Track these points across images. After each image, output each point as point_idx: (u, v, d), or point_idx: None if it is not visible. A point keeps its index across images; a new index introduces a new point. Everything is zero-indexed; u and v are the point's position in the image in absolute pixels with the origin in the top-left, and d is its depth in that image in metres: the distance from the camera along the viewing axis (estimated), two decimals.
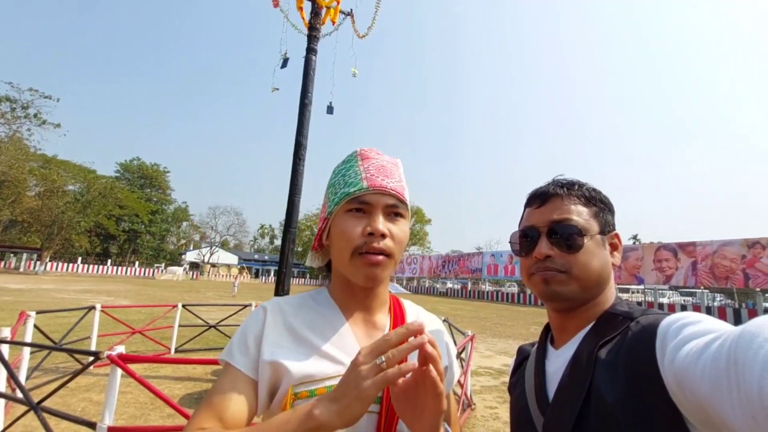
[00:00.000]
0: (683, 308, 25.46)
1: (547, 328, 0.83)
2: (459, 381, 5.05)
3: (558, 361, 0.73)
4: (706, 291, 27.94)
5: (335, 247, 0.75)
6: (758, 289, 22.80)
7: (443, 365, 0.80)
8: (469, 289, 43.94)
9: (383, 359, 0.53)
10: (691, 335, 0.53)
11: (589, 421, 0.61)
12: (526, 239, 0.78)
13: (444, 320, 6.41)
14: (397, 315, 0.81)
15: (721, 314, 23.15)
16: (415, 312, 0.86)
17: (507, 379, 5.87)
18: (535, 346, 0.84)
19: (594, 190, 0.78)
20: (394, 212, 0.75)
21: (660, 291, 30.59)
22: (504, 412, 5.13)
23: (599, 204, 0.77)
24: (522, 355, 0.90)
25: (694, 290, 30.95)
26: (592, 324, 0.71)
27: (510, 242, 0.83)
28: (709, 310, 23.88)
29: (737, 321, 22.11)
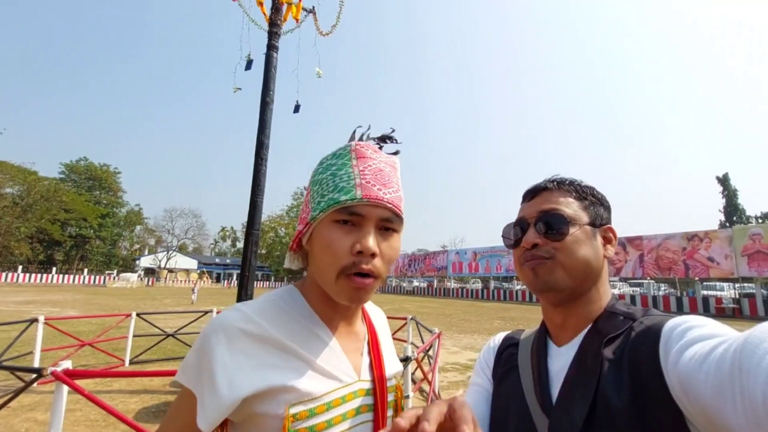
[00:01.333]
0: (632, 299, 27.15)
1: (544, 324, 0.82)
2: (427, 378, 5.10)
3: (561, 360, 0.72)
4: (652, 281, 30.03)
5: (319, 260, 0.66)
6: (697, 278, 24.79)
7: (400, 365, 0.82)
8: (434, 286, 44.63)
9: None
10: (696, 338, 0.53)
11: (596, 422, 0.60)
12: (516, 231, 0.79)
13: (411, 318, 6.47)
14: (369, 321, 0.81)
15: (666, 303, 25.00)
16: (373, 313, 0.86)
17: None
18: (524, 336, 0.84)
19: (587, 186, 0.80)
20: (387, 226, 0.67)
21: (611, 282, 32.51)
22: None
23: (590, 198, 0.78)
24: (509, 342, 0.87)
25: (641, 281, 33.16)
26: (593, 322, 0.71)
27: (502, 236, 0.84)
28: (654, 300, 25.69)
29: (679, 308, 23.96)
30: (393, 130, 0.77)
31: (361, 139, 0.75)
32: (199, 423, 0.57)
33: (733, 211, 45.38)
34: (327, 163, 0.71)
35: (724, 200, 46.70)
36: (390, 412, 0.73)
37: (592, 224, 0.74)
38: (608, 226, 0.78)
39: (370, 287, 0.65)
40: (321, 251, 0.66)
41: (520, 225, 0.78)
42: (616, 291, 31.87)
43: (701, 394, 0.48)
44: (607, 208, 0.80)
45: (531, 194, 0.80)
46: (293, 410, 0.60)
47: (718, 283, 28.86)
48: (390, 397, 0.74)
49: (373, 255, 0.64)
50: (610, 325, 0.68)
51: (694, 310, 23.18)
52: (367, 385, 0.70)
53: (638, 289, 35.77)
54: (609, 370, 0.62)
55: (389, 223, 0.67)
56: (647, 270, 26.32)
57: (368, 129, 0.77)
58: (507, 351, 0.85)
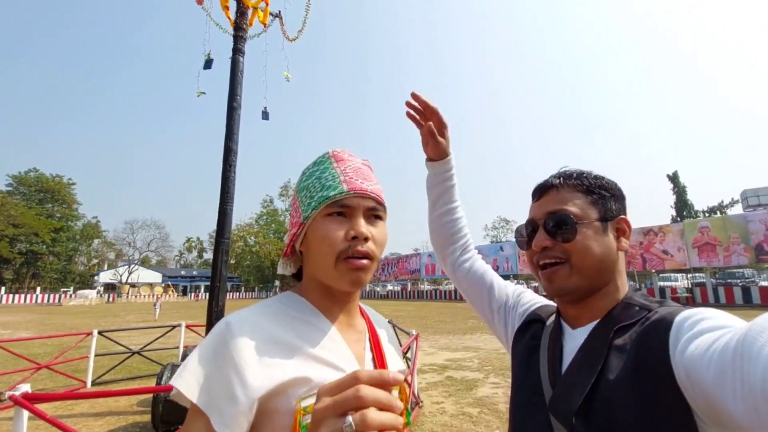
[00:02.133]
0: None
1: (559, 311, 0.84)
2: (406, 380, 5.12)
3: (573, 342, 0.74)
4: None
5: (316, 252, 0.71)
6: (654, 271, 26.27)
7: (401, 362, 0.84)
8: (408, 289, 44.92)
9: (351, 422, 0.42)
10: (705, 329, 0.55)
11: (596, 400, 0.62)
12: (528, 232, 0.81)
13: (389, 321, 6.47)
14: (367, 318, 0.83)
15: None
16: (371, 313, 0.89)
17: (451, 373, 6.09)
18: (551, 320, 0.85)
19: (594, 177, 0.79)
20: (373, 215, 0.74)
21: None
22: (450, 405, 5.30)
23: (599, 191, 0.77)
24: (536, 317, 0.89)
25: None
26: (608, 311, 0.72)
27: (515, 237, 0.87)
28: None
29: None
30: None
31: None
32: (216, 427, 0.56)
33: (683, 207, 48.39)
34: (310, 171, 0.77)
35: (674, 196, 49.75)
36: None
37: (603, 219, 0.75)
38: (621, 217, 0.77)
39: (367, 268, 0.70)
40: (318, 243, 0.70)
41: (531, 225, 0.80)
42: None
43: (703, 380, 0.50)
44: (619, 199, 0.79)
45: (539, 193, 0.81)
46: (304, 403, 0.61)
47: (672, 275, 30.66)
48: (394, 392, 0.75)
49: (366, 239, 0.70)
50: (625, 314, 0.70)
51: None
52: None
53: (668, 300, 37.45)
54: (615, 355, 0.64)
55: (375, 211, 0.74)
56: None
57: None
58: (534, 325, 0.87)
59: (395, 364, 0.82)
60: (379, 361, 0.76)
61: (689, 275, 26.81)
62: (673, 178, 50.14)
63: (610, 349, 0.65)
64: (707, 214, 46.23)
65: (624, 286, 0.75)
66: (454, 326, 14.76)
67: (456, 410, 5.10)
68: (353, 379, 0.45)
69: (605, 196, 0.77)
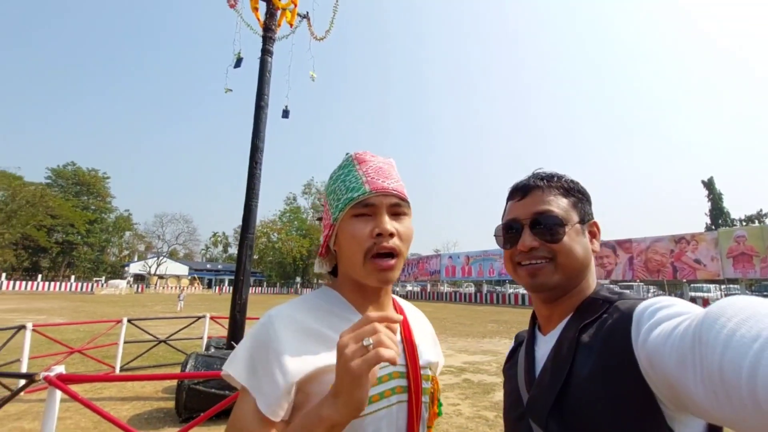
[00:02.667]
0: None
1: (534, 316, 0.86)
2: (434, 379, 5.12)
3: (545, 347, 0.77)
4: (642, 284, 30.40)
5: (345, 251, 0.76)
6: (684, 280, 25.20)
7: (437, 358, 0.89)
8: (428, 291, 44.66)
9: (371, 341, 0.55)
10: (664, 317, 0.57)
11: (567, 397, 0.66)
12: (509, 231, 0.81)
13: None
14: (402, 313, 0.86)
15: None
16: (408, 308, 0.93)
17: (468, 376, 6.06)
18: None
19: (572, 181, 0.82)
20: (397, 211, 0.77)
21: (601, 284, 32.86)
22: (466, 408, 5.25)
23: (577, 194, 0.81)
24: (518, 341, 0.94)
25: (631, 283, 33.55)
26: (574, 310, 0.75)
27: (495, 235, 0.86)
28: None
29: None
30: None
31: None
32: (261, 407, 0.64)
33: (718, 214, 46.27)
34: (335, 175, 0.82)
35: (709, 203, 47.59)
36: (425, 399, 0.78)
37: (581, 221, 0.78)
38: (593, 221, 0.81)
39: (393, 266, 0.74)
40: (347, 242, 0.75)
41: (513, 225, 0.80)
42: None
43: (665, 366, 0.52)
44: (590, 203, 0.83)
45: (521, 193, 0.82)
46: None
47: (704, 285, 29.35)
48: (426, 385, 0.79)
49: (392, 235, 0.73)
50: (589, 310, 0.72)
51: None
52: (401, 369, 0.76)
53: (628, 291, 36.08)
54: (583, 353, 0.67)
55: (399, 207, 0.77)
56: (637, 272, 26.68)
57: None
58: (518, 348, 0.91)
59: (430, 356, 0.85)
60: (410, 353, 0.78)
61: (723, 286, 25.59)
62: (709, 185, 47.98)
63: (577, 348, 0.68)
64: (744, 223, 44.04)
65: (592, 284, 0.78)
66: (473, 329, 14.60)
67: (472, 413, 5.06)
68: (367, 318, 0.58)
69: (581, 199, 0.81)
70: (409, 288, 48.88)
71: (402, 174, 0.85)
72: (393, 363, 0.55)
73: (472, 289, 44.20)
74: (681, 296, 25.02)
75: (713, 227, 41.61)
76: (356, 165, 0.80)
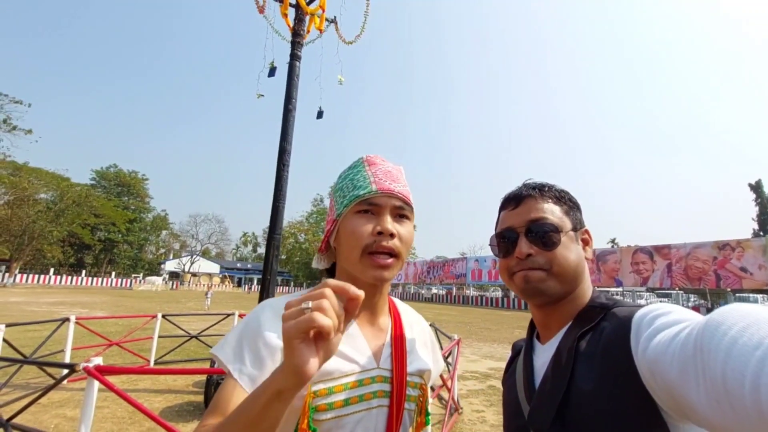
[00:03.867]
0: None
1: (532, 324, 0.86)
2: (446, 385, 5.04)
3: (544, 356, 0.77)
4: (681, 292, 28.87)
5: (345, 246, 0.77)
6: (729, 289, 23.69)
7: (430, 366, 0.86)
8: (453, 294, 44.16)
9: (309, 305, 0.51)
10: (663, 325, 0.56)
11: (569, 409, 0.65)
12: (504, 241, 0.81)
13: (430, 325, 6.43)
14: (396, 316, 0.85)
15: None
16: (406, 312, 0.91)
17: (493, 382, 5.93)
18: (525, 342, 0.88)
19: (562, 190, 0.84)
20: (400, 214, 0.78)
21: (637, 293, 31.44)
22: (490, 416, 5.15)
23: (568, 203, 0.82)
24: (515, 350, 0.94)
25: (669, 291, 31.91)
26: (573, 319, 0.75)
27: (490, 245, 0.86)
28: None
29: None
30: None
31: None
32: (245, 387, 0.65)
33: (767, 219, 43.31)
34: (344, 174, 0.84)
35: (757, 208, 44.63)
36: (410, 406, 0.77)
37: (574, 229, 0.79)
38: (585, 228, 0.82)
39: (391, 266, 0.74)
40: (347, 237, 0.76)
41: (508, 234, 0.80)
42: (642, 302, 30.59)
43: (667, 375, 0.51)
44: (581, 211, 0.84)
45: (515, 202, 0.82)
46: (314, 387, 0.67)
47: (751, 295, 27.52)
48: (413, 392, 0.79)
49: (392, 235, 0.74)
50: (587, 318, 0.72)
51: None
52: (386, 373, 0.76)
53: (666, 299, 34.45)
54: (582, 362, 0.66)
55: (402, 210, 0.78)
56: (676, 280, 25.33)
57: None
58: (516, 357, 0.91)
59: (422, 364, 0.83)
60: (397, 357, 0.78)
61: None
62: (756, 188, 45.00)
63: (576, 357, 0.67)
64: None
65: (588, 291, 0.78)
66: (499, 334, 14.30)
67: (497, 420, 4.94)
68: (323, 284, 0.54)
69: (573, 207, 0.82)
70: (434, 291, 48.49)
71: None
72: (326, 332, 0.49)
73: (499, 294, 43.37)
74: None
75: (761, 233, 38.94)
76: (366, 167, 0.81)
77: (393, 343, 0.79)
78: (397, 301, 0.91)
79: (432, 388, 4.98)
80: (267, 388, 0.53)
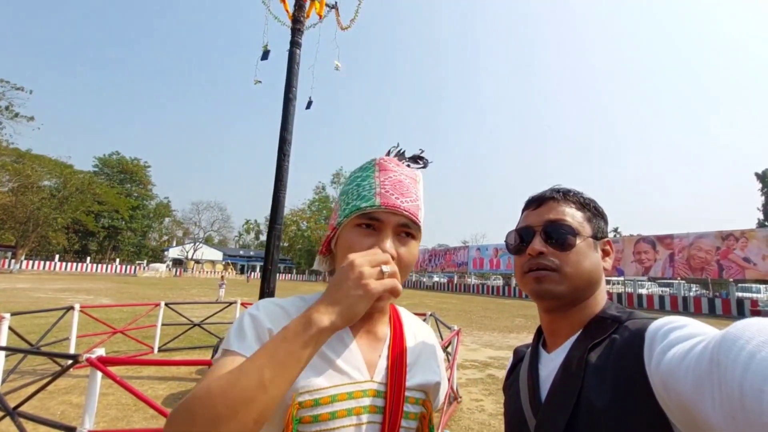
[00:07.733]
0: (661, 299, 26.22)
1: (539, 332, 0.84)
2: (454, 396, 5.10)
3: (550, 366, 0.74)
4: (683, 282, 28.86)
5: (341, 259, 0.72)
6: (731, 280, 23.68)
7: (436, 380, 0.79)
8: (455, 282, 44.37)
9: (389, 269, 0.59)
10: (678, 339, 0.55)
11: (578, 424, 0.63)
12: (521, 239, 0.81)
13: (430, 314, 6.46)
14: (397, 326, 0.79)
15: (697, 304, 24.01)
16: (410, 321, 0.84)
17: (492, 371, 5.96)
18: (529, 349, 0.86)
19: (589, 198, 0.82)
20: (404, 232, 0.72)
21: (639, 282, 31.43)
22: (489, 404, 5.21)
23: (593, 210, 0.81)
24: (517, 357, 0.92)
25: (671, 281, 31.92)
26: (582, 328, 0.73)
27: (506, 241, 0.85)
28: (685, 301, 24.69)
29: (711, 311, 22.99)
30: (422, 151, 0.85)
31: (388, 154, 0.83)
32: (246, 353, 0.62)
33: None
34: (354, 176, 0.79)
35: (762, 198, 44.32)
36: (410, 424, 0.71)
37: (594, 237, 0.77)
38: (607, 239, 0.81)
39: None
40: (343, 252, 0.71)
41: (525, 233, 0.80)
42: (644, 291, 30.81)
43: (681, 390, 0.49)
44: (606, 222, 0.83)
45: (536, 203, 0.82)
46: (300, 398, 0.63)
47: (754, 285, 27.52)
48: (414, 409, 0.73)
49: (392, 257, 0.68)
50: (598, 329, 0.70)
51: (727, 313, 22.19)
52: (380, 387, 0.70)
53: (668, 289, 34.47)
54: (593, 374, 0.64)
55: (406, 228, 0.73)
56: (678, 270, 25.32)
57: (398, 146, 0.84)
58: (518, 364, 0.89)
59: (424, 378, 0.76)
60: (393, 370, 0.72)
61: None
62: (763, 178, 44.61)
63: (586, 370, 0.66)
64: None
65: (601, 301, 0.76)
66: (500, 323, 14.40)
67: (495, 409, 5.01)
68: (383, 247, 0.66)
69: (597, 216, 0.81)
70: (436, 279, 48.75)
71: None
72: (396, 296, 0.60)
73: (500, 282, 43.51)
74: (726, 296, 23.67)
75: (766, 223, 38.74)
76: (377, 172, 0.76)
77: (390, 354, 0.74)
78: (402, 310, 0.85)
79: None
80: (308, 326, 0.55)
